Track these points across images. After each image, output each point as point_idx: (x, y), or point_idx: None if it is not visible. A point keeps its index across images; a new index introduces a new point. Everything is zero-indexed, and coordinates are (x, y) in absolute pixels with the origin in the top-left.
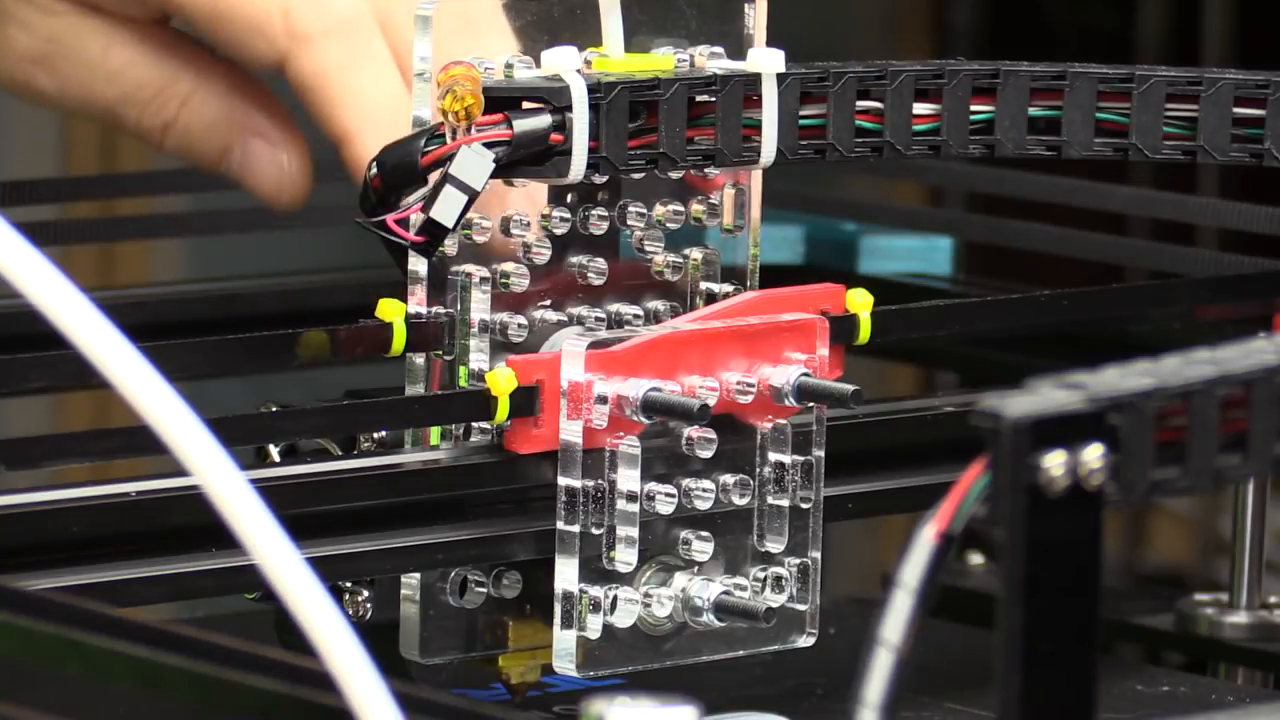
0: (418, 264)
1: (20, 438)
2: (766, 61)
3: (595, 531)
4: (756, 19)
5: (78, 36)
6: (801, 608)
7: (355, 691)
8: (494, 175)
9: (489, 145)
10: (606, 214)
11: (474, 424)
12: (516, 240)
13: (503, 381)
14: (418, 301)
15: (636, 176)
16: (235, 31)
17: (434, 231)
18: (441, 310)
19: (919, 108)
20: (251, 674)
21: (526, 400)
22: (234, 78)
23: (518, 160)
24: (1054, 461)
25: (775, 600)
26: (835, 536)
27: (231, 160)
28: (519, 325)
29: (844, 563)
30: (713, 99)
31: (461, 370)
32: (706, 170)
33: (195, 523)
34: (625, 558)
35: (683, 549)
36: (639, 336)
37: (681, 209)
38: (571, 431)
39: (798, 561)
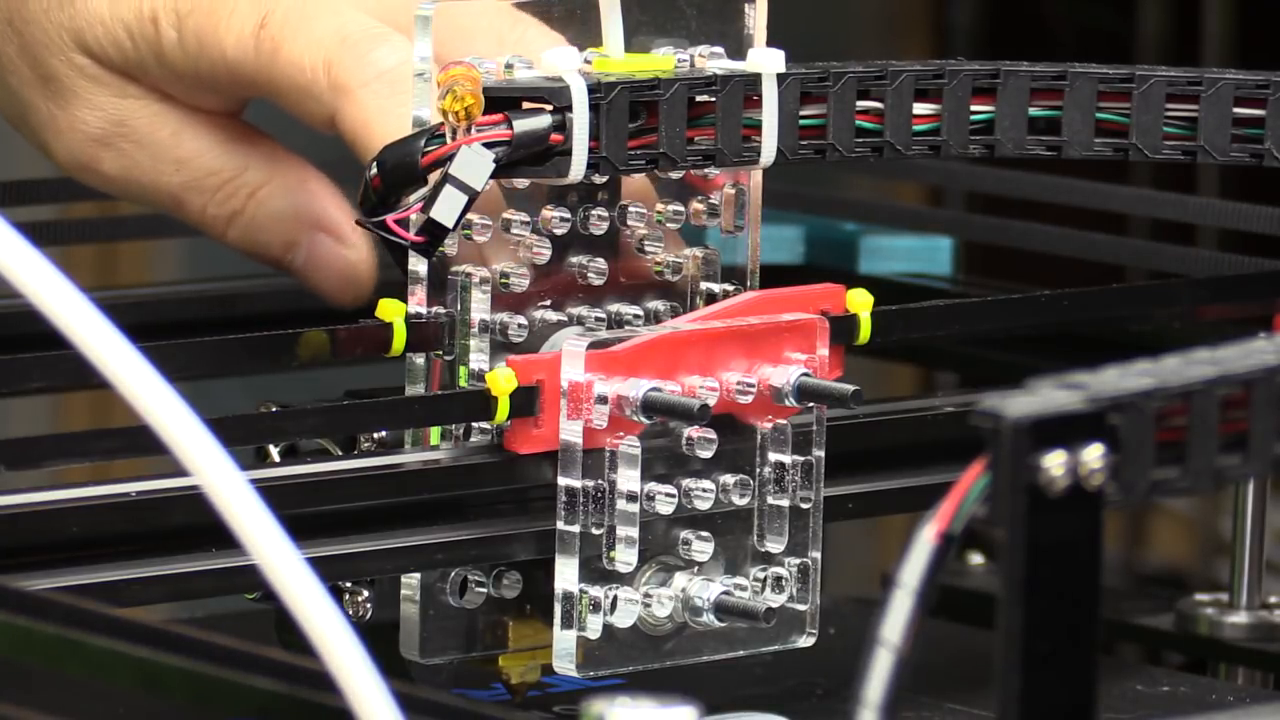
0: (418, 264)
1: (20, 438)
2: (766, 61)
3: (595, 531)
4: (756, 19)
5: (148, 120)
6: (801, 608)
7: (355, 691)
8: (494, 175)
9: (489, 145)
10: (606, 214)
11: (474, 424)
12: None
13: (503, 381)
14: (418, 301)
15: (637, 176)
16: (289, 97)
17: (434, 231)
18: (441, 310)
19: (919, 108)
20: (251, 674)
21: (526, 400)
22: (304, 173)
23: (518, 160)
24: (1054, 461)
25: (775, 600)
26: (835, 536)
27: (297, 255)
28: (519, 325)
29: (844, 563)
30: (713, 99)
31: (461, 370)
32: (706, 170)
33: (195, 523)
34: (625, 558)
35: (683, 549)
36: (639, 336)
37: (681, 209)
38: (571, 431)
39: (798, 561)
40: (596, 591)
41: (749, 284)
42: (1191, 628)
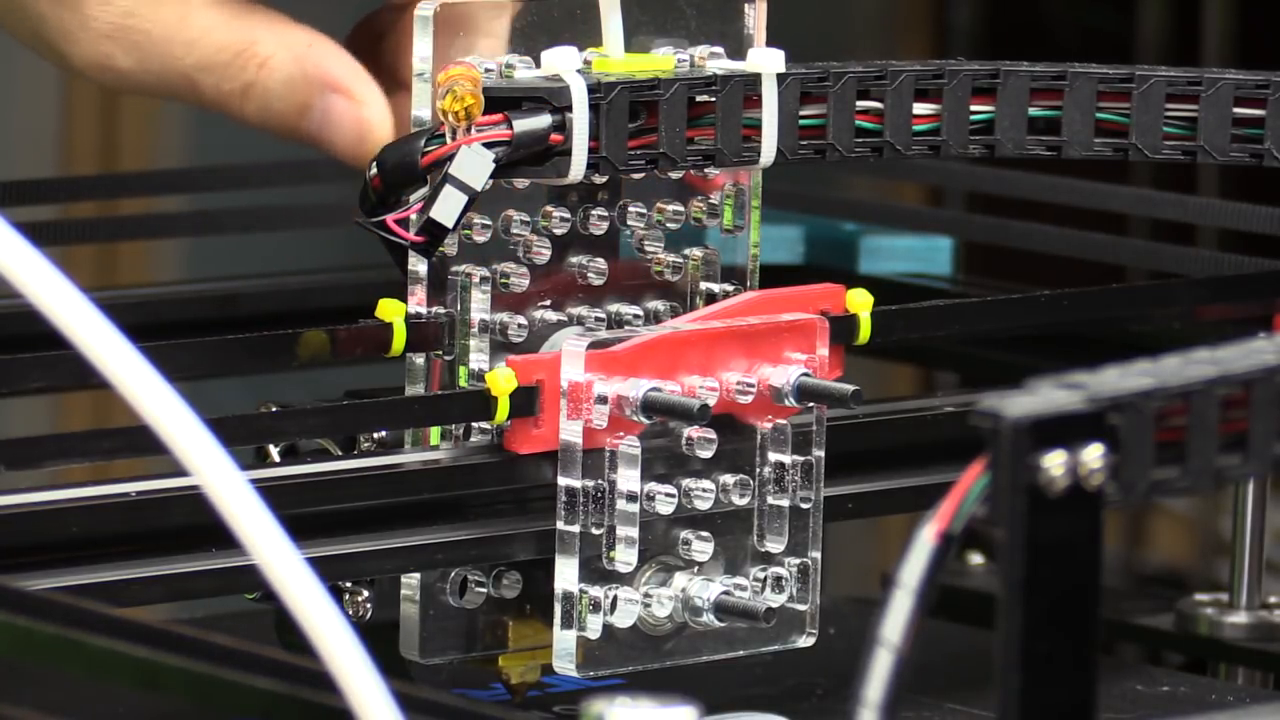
0: (418, 264)
1: (20, 438)
2: (766, 61)
3: (595, 531)
4: (756, 19)
5: (155, 6)
6: (801, 608)
7: (355, 691)
8: (494, 175)
9: (489, 145)
10: (606, 214)
11: (474, 424)
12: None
13: (503, 381)
14: (418, 301)
15: (636, 176)
16: None
17: (434, 231)
18: (441, 310)
19: (919, 108)
20: (251, 674)
21: (526, 400)
22: (311, 38)
23: (518, 160)
24: (1054, 461)
25: (775, 600)
26: (835, 536)
27: (312, 118)
28: (519, 325)
29: (844, 563)
30: (713, 99)
31: (461, 370)
32: (706, 170)
33: (195, 523)
34: (625, 558)
35: (683, 549)
36: (639, 336)
37: (681, 209)
38: (571, 431)
39: (798, 561)
40: (596, 591)
41: (749, 284)
42: (1191, 628)
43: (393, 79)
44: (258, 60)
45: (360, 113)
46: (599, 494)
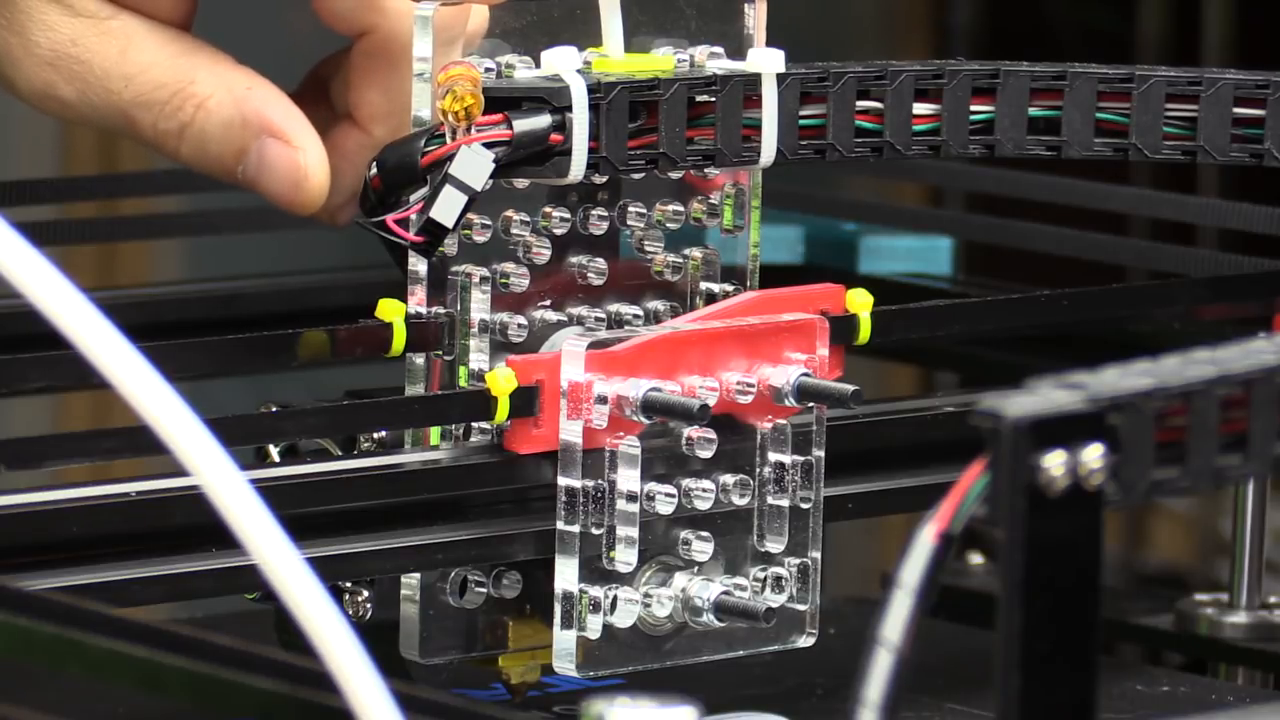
0: (418, 264)
1: (20, 438)
2: (766, 61)
3: (595, 531)
4: (756, 19)
5: (97, 39)
6: (801, 608)
7: (355, 691)
8: (494, 175)
9: (489, 145)
10: (606, 214)
11: (474, 424)
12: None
13: (503, 381)
14: (418, 301)
15: (636, 176)
16: None
17: (434, 231)
18: (441, 310)
19: (919, 108)
20: (251, 674)
21: (526, 400)
22: (251, 80)
23: (518, 160)
24: (1054, 461)
25: (775, 600)
26: (835, 536)
27: (248, 163)
28: (519, 325)
29: (844, 563)
30: (713, 99)
31: (461, 370)
32: (706, 170)
33: (195, 523)
34: (625, 558)
35: (683, 549)
36: (639, 336)
37: (681, 209)
38: (571, 431)
39: (798, 561)
40: (596, 591)
41: (749, 284)
42: (1191, 628)
43: (335, 112)
44: (195, 101)
45: (297, 159)
46: (599, 494)
